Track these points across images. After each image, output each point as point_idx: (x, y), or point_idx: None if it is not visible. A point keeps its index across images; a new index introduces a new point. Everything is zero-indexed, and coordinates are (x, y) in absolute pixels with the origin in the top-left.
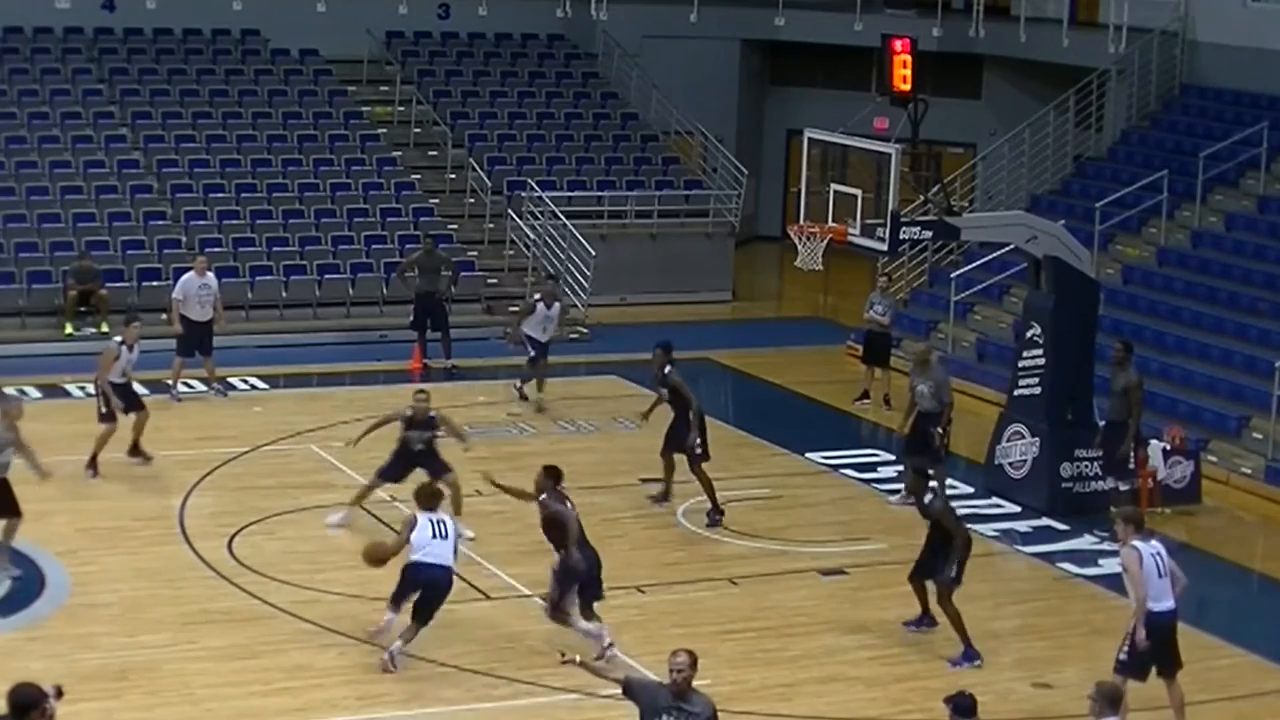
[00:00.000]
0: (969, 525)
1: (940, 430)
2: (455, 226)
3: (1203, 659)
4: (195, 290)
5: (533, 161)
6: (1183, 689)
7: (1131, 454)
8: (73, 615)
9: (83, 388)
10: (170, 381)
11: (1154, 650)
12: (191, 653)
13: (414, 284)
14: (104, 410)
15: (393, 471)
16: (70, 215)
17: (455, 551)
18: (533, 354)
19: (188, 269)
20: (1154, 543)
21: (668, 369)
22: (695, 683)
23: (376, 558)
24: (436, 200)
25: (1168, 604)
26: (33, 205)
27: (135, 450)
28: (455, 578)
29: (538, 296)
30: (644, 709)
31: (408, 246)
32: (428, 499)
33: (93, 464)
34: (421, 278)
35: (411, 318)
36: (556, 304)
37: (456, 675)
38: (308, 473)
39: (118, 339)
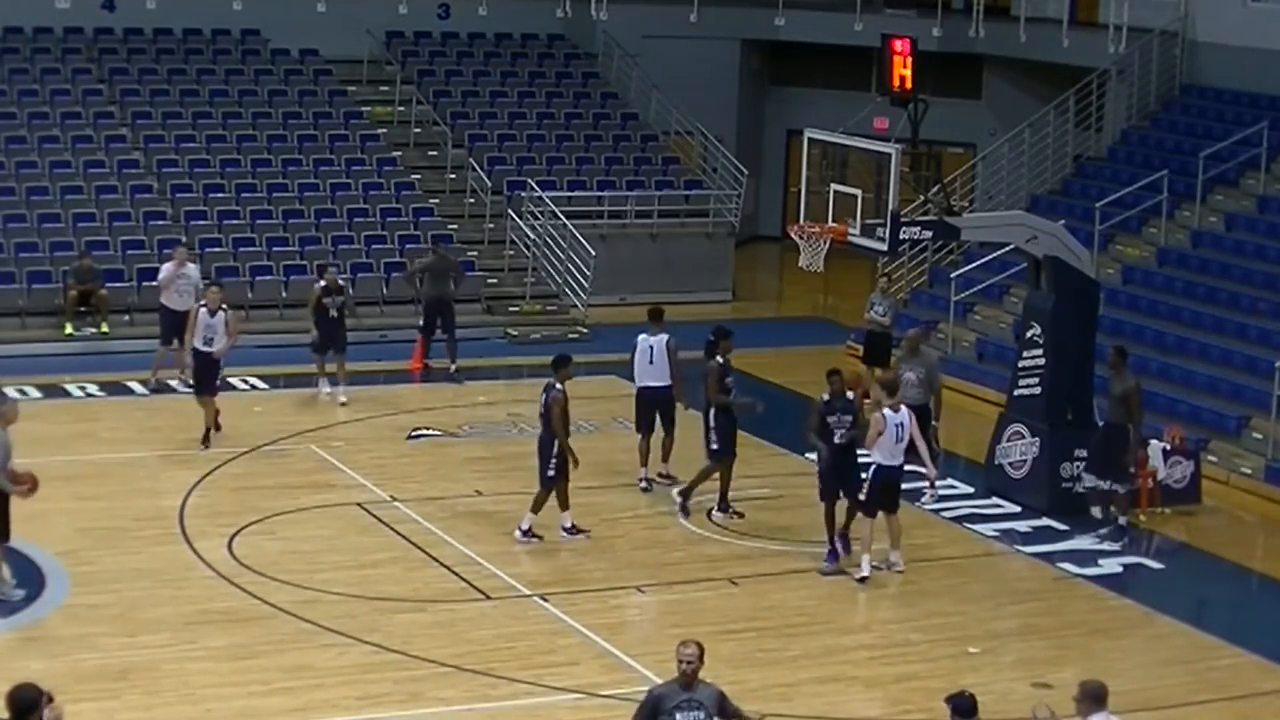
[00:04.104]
0: (968, 526)
1: (935, 423)
2: (455, 226)
3: (1203, 659)
4: (174, 280)
5: (533, 161)
6: (900, 525)
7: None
8: (73, 615)
9: (83, 388)
10: (150, 373)
11: (882, 495)
12: (191, 653)
13: (423, 288)
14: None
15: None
16: (70, 215)
17: None
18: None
19: None
20: (903, 412)
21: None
22: None
23: None
24: (436, 200)
25: (897, 462)
26: (33, 205)
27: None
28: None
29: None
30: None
31: (408, 247)
32: None
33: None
34: (432, 282)
35: (422, 321)
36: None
37: (456, 675)
38: (308, 473)
39: (201, 303)
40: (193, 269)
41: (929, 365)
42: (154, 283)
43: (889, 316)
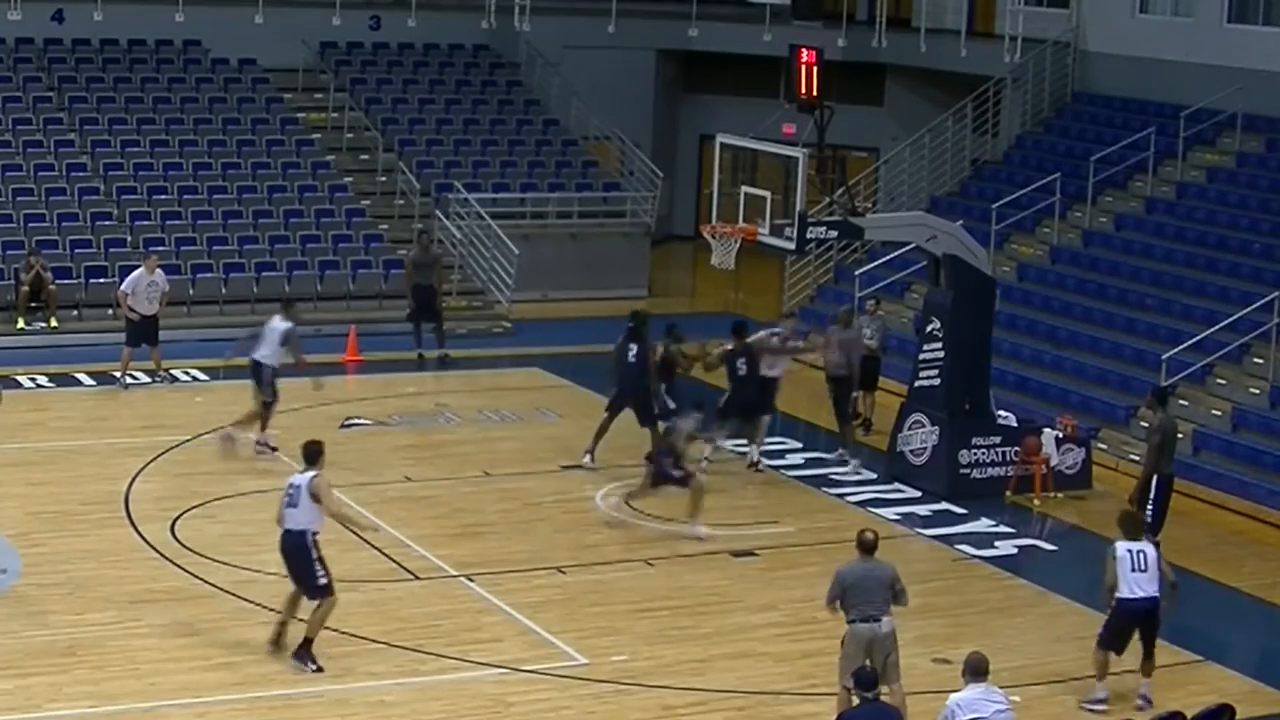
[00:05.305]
0: (872, 510)
1: (853, 394)
2: (386, 226)
3: (1093, 635)
4: (144, 286)
5: (459, 165)
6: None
7: (1151, 505)
8: (24, 594)
9: (33, 379)
10: (118, 372)
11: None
12: (136, 630)
13: (410, 279)
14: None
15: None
16: (21, 215)
17: None
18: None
19: (134, 267)
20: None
21: None
22: (614, 659)
23: None
24: (368, 201)
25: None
26: None
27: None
28: None
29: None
30: None
31: (341, 245)
32: None
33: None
34: (418, 273)
35: (409, 310)
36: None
37: (386, 651)
38: (246, 459)
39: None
40: (160, 276)
41: (850, 339)
42: (101, 280)
43: (877, 339)
